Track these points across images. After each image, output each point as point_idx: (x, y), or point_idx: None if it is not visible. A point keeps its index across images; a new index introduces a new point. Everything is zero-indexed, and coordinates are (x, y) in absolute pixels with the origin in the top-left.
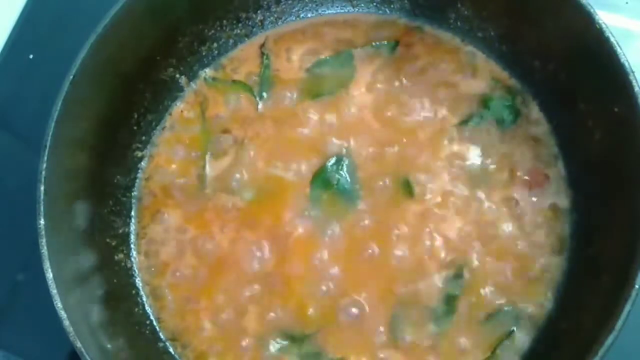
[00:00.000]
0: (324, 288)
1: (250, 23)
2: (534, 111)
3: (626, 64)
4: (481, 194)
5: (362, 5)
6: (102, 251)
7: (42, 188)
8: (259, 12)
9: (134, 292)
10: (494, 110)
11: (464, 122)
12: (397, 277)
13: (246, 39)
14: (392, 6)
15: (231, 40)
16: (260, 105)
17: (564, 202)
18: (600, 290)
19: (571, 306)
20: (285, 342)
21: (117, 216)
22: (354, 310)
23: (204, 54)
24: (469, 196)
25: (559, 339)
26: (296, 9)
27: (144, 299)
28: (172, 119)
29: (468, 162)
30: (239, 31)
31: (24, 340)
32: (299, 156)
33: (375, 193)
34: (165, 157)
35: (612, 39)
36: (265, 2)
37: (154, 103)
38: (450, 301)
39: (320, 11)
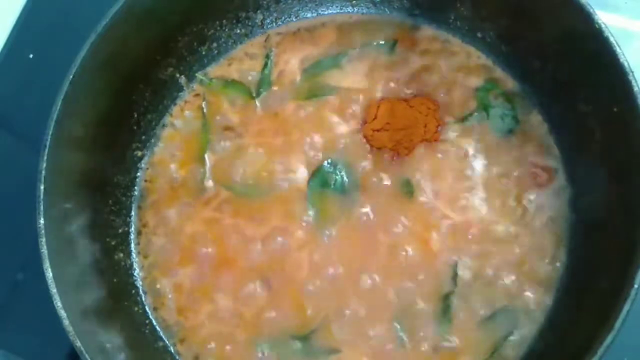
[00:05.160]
0: (322, 288)
1: (250, 23)
2: (534, 111)
3: (625, 63)
4: (481, 194)
5: (362, 5)
6: (101, 251)
7: (42, 188)
8: (258, 11)
9: (133, 291)
10: (493, 111)
11: (463, 122)
12: (397, 277)
13: (246, 39)
14: (391, 6)
15: (231, 40)
16: (259, 105)
17: (563, 201)
18: (600, 289)
19: (571, 305)
20: (283, 340)
21: (117, 216)
22: (353, 309)
23: (203, 53)
24: (468, 196)
25: (558, 338)
26: (296, 8)
27: (144, 298)
28: (171, 118)
29: (467, 162)
30: (238, 31)
31: (24, 340)
32: (298, 156)
33: (373, 193)
34: (165, 156)
35: (611, 39)
36: (265, 2)
37: (154, 103)
38: (449, 301)
39: (319, 11)
